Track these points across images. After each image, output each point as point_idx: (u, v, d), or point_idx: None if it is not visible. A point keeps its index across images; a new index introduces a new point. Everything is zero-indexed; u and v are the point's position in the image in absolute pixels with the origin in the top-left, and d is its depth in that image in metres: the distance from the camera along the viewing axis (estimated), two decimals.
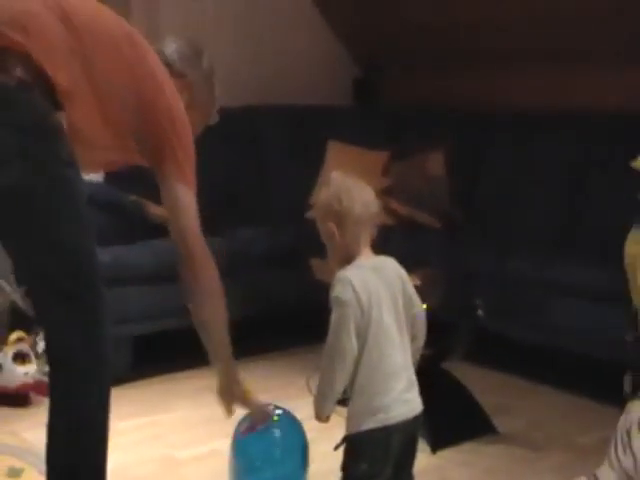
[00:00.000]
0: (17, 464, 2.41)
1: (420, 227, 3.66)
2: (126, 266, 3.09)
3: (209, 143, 3.78)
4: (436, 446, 2.64)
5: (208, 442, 2.64)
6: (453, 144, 3.89)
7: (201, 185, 3.69)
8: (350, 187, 1.82)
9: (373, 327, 1.77)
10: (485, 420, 2.77)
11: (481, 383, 2.92)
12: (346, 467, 1.85)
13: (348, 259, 1.84)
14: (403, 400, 1.83)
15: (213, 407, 2.88)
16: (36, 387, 2.88)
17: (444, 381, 2.81)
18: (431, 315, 2.74)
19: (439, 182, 3.82)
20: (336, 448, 1.87)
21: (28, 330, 3.03)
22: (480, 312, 2.72)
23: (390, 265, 1.91)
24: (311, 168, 4.01)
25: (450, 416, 2.73)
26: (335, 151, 4.04)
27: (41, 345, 3.00)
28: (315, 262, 3.45)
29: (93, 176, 3.34)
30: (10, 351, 2.85)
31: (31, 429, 2.65)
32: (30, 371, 2.85)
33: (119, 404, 2.85)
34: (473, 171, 3.84)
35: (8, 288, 3.11)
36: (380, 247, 3.37)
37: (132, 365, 3.10)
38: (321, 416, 1.85)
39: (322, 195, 1.85)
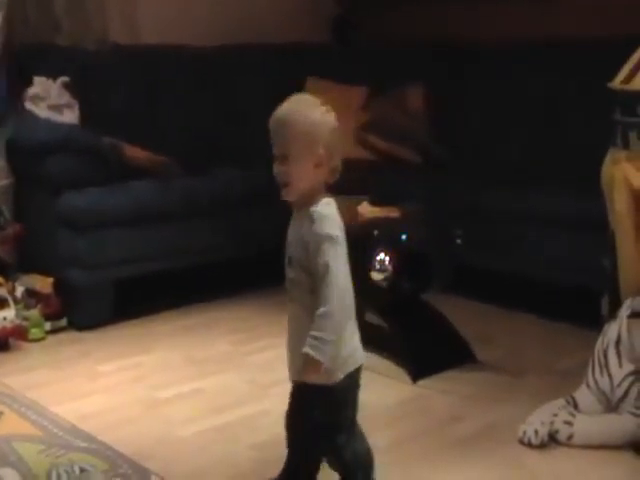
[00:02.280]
0: None
1: (400, 162, 3.57)
2: (104, 209, 3.01)
3: (185, 84, 3.75)
4: (417, 376, 2.60)
5: (189, 382, 2.60)
6: (434, 78, 3.78)
7: (180, 127, 3.66)
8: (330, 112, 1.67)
9: (345, 261, 1.70)
10: (465, 349, 2.72)
11: (461, 313, 2.87)
12: (330, 420, 1.71)
13: (319, 193, 1.68)
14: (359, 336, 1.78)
15: (192, 347, 2.87)
16: (15, 331, 2.82)
17: (424, 312, 2.76)
18: (411, 248, 2.73)
19: (419, 116, 3.72)
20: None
21: (6, 275, 2.96)
22: (459, 241, 2.65)
23: None
24: None
25: (430, 346, 2.69)
26: (314, 87, 3.89)
27: (19, 290, 2.95)
28: None
29: (68, 118, 3.24)
30: None
31: (10, 374, 2.61)
32: (8, 316, 2.78)
33: (101, 347, 2.86)
34: (454, 105, 3.73)
35: None
36: (361, 182, 3.32)
37: (113, 309, 3.04)
38: (324, 360, 1.61)
39: (303, 118, 1.62)
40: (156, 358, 2.79)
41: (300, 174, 1.62)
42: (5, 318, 2.77)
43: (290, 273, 1.69)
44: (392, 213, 2.85)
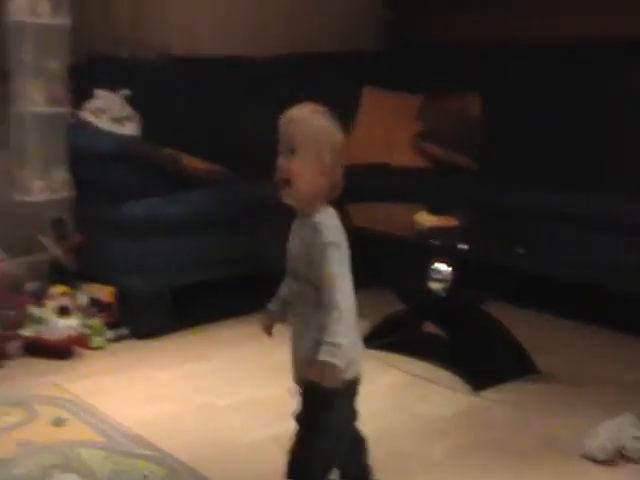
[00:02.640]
0: (61, 414, 2.41)
1: (457, 169, 3.54)
2: (162, 218, 3.04)
3: (242, 95, 3.79)
4: (477, 387, 2.57)
5: (248, 390, 2.61)
6: (489, 84, 3.74)
7: (237, 137, 3.70)
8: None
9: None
10: (526, 359, 2.68)
11: (520, 322, 2.83)
12: (329, 419, 1.69)
13: (321, 203, 1.65)
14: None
15: (252, 355, 2.86)
16: (78, 340, 2.87)
17: (483, 321, 2.72)
18: (469, 256, 2.70)
19: (475, 123, 3.69)
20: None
21: (69, 284, 3.02)
22: (519, 250, 2.61)
23: None
24: (345, 115, 3.89)
25: (490, 356, 2.66)
26: (370, 96, 3.92)
27: (82, 299, 3.01)
28: (353, 208, 3.37)
29: (129, 130, 3.30)
30: (53, 305, 2.84)
31: (73, 381, 2.66)
32: (72, 324, 2.84)
33: (160, 355, 2.89)
34: (508, 110, 3.68)
35: (49, 244, 3.12)
36: (417, 190, 3.31)
37: (172, 317, 3.07)
38: (340, 364, 1.59)
39: (315, 122, 1.64)
40: (215, 366, 2.81)
41: (304, 174, 1.61)
42: (69, 326, 2.83)
43: (295, 286, 1.67)
44: (450, 222, 2.83)
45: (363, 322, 3.00)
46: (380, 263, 2.90)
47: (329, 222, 1.63)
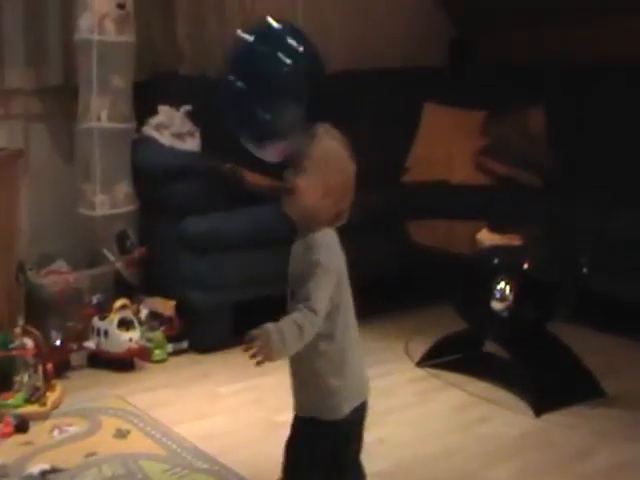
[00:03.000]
0: (124, 426, 2.45)
1: (521, 187, 3.50)
2: (224, 233, 3.07)
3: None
4: (540, 409, 2.52)
5: None
6: (553, 99, 3.70)
7: None
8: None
9: (344, 297, 1.64)
10: (592, 382, 2.62)
11: (586, 344, 2.77)
12: (336, 455, 1.67)
13: (321, 224, 1.63)
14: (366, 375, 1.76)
15: None
16: (140, 352, 2.92)
17: (547, 342, 2.68)
18: (533, 276, 2.66)
19: (539, 139, 3.65)
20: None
21: (131, 298, 3.07)
22: (585, 270, 2.56)
23: None
24: (406, 131, 3.90)
25: (554, 378, 2.61)
26: (431, 113, 3.91)
27: (144, 312, 3.06)
28: (413, 225, 3.36)
29: (190, 145, 3.35)
30: (115, 318, 2.89)
31: (135, 394, 2.70)
32: (134, 337, 2.89)
33: (221, 369, 2.91)
34: (573, 126, 3.64)
35: (112, 257, 3.17)
36: (480, 208, 3.28)
37: (232, 331, 3.09)
38: (273, 360, 1.55)
39: (328, 144, 1.64)
40: (275, 381, 2.78)
41: (307, 191, 1.61)
42: (131, 339, 2.88)
43: (293, 307, 1.63)
44: (513, 240, 2.80)
45: (423, 340, 3.05)
46: (440, 281, 2.87)
47: (324, 241, 1.62)
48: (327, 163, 1.62)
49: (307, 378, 1.66)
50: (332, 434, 1.66)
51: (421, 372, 2.89)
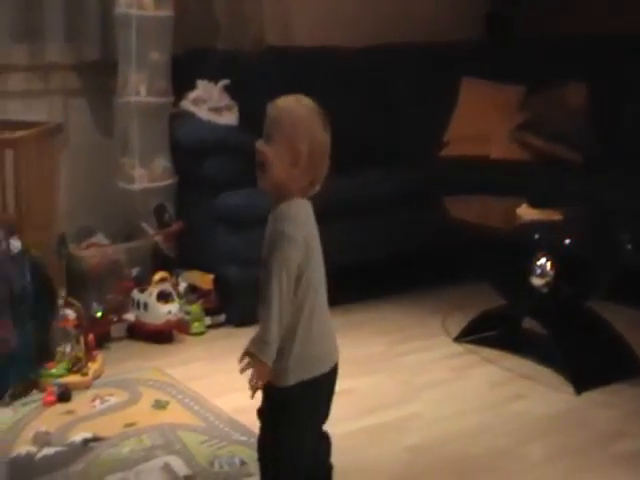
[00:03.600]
0: (162, 397, 2.49)
1: (560, 162, 3.45)
2: (259, 208, 3.00)
3: (338, 85, 3.79)
4: (580, 387, 2.50)
5: (340, 381, 2.51)
6: (594, 74, 3.63)
7: (332, 128, 3.70)
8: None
9: (311, 267, 1.60)
10: (632, 360, 2.60)
11: (624, 322, 2.74)
12: (275, 427, 1.66)
13: (293, 194, 1.61)
14: (335, 345, 1.71)
15: (344, 347, 2.86)
16: (178, 325, 2.95)
17: (587, 319, 2.66)
18: (574, 252, 2.63)
19: (579, 114, 3.59)
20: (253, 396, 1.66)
21: (170, 271, 3.10)
22: (629, 247, 2.52)
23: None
24: (442, 106, 3.88)
25: (594, 356, 2.59)
26: (469, 87, 3.87)
27: (182, 285, 3.09)
28: (449, 200, 3.34)
29: (227, 119, 3.36)
30: (154, 291, 2.92)
31: (174, 366, 2.73)
32: (173, 310, 2.92)
33: None
34: (615, 102, 3.57)
35: (150, 231, 3.21)
36: (519, 183, 3.25)
37: None
38: (267, 361, 1.58)
39: (296, 112, 1.61)
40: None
41: (276, 162, 1.59)
42: (170, 312, 2.91)
43: (261, 275, 1.62)
44: (553, 216, 2.77)
45: (460, 316, 3.05)
46: (478, 257, 2.86)
47: (294, 212, 1.59)
48: (294, 132, 1.59)
49: None
50: (275, 401, 1.65)
51: (458, 348, 2.89)
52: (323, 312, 1.67)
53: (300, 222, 1.59)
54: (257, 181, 1.64)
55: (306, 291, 1.61)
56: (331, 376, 1.69)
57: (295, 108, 1.62)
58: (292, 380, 1.62)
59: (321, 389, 1.68)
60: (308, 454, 1.69)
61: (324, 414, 1.73)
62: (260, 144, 1.62)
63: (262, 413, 1.70)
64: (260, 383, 1.60)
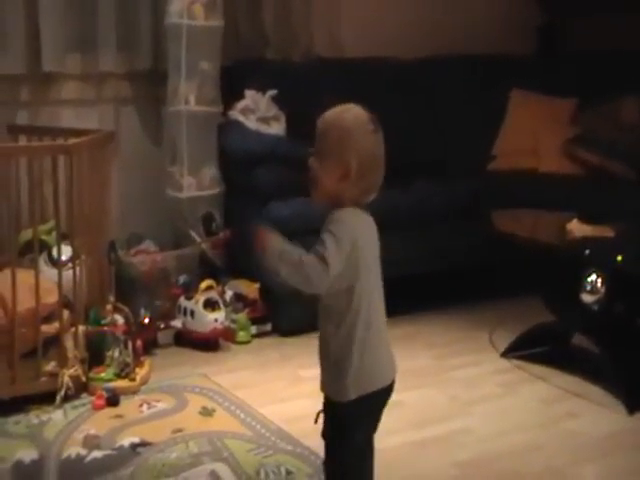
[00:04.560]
0: (209, 404, 2.51)
1: (612, 178, 3.42)
2: (306, 218, 3.07)
3: (387, 96, 3.80)
4: (633, 407, 2.47)
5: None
6: None
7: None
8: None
9: (363, 280, 1.61)
10: None
11: None
12: (339, 441, 1.67)
13: (345, 204, 1.61)
14: (392, 359, 1.71)
15: (397, 358, 2.86)
16: (224, 333, 2.98)
17: (639, 338, 2.62)
18: (626, 269, 2.60)
19: (633, 130, 3.54)
20: (316, 420, 1.70)
21: (217, 279, 3.13)
22: None
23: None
24: (491, 119, 3.87)
25: None
26: (519, 100, 3.86)
27: (229, 294, 3.11)
28: (497, 214, 3.32)
29: (275, 129, 3.39)
30: (201, 298, 2.95)
31: (220, 374, 2.76)
32: (219, 318, 2.95)
33: (302, 353, 2.92)
34: None
35: (198, 239, 3.24)
36: (569, 198, 3.22)
37: (314, 315, 3.09)
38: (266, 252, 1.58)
39: (343, 124, 1.60)
40: None
41: (325, 176, 1.60)
42: (216, 320, 2.93)
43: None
44: (605, 232, 2.74)
45: (508, 331, 3.02)
46: (528, 271, 2.84)
47: (343, 217, 1.59)
48: (341, 146, 1.59)
49: (321, 358, 1.69)
50: (338, 417, 1.66)
51: (506, 363, 2.87)
52: (380, 326, 1.67)
53: (349, 226, 1.59)
54: (311, 195, 1.65)
55: (359, 303, 1.61)
56: (389, 389, 1.70)
57: (341, 120, 1.62)
58: (353, 395, 1.64)
59: (379, 402, 1.69)
60: (369, 469, 1.71)
61: (375, 426, 1.74)
62: (311, 160, 1.64)
63: (326, 434, 1.71)
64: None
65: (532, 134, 3.71)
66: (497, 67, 3.94)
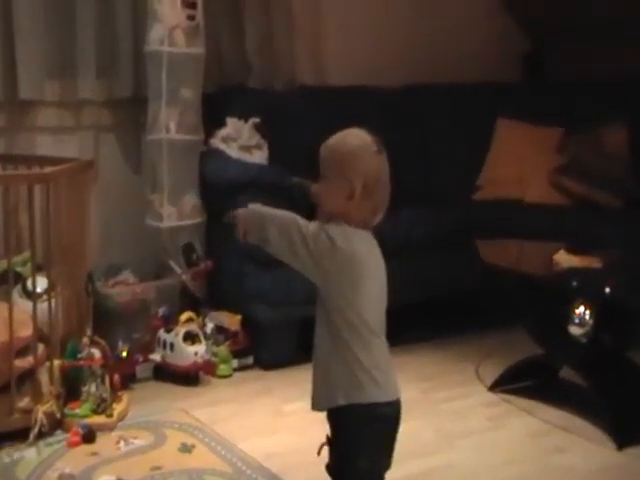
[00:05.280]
0: (188, 440, 2.49)
1: (598, 207, 3.44)
2: None
3: (371, 125, 3.83)
4: (622, 442, 2.47)
5: None
6: (634, 118, 3.64)
7: None
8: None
9: (365, 299, 1.65)
10: None
11: None
12: (343, 469, 1.69)
13: (353, 224, 1.65)
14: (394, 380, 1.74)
15: None
16: (205, 366, 2.96)
17: (628, 370, 2.63)
18: (614, 301, 2.61)
19: (619, 158, 3.59)
20: (319, 452, 1.73)
21: (197, 311, 3.12)
22: None
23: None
24: (477, 148, 3.90)
25: (636, 409, 2.55)
26: (505, 128, 3.89)
27: (209, 326, 3.10)
28: (482, 244, 3.34)
29: (258, 158, 3.40)
30: (181, 331, 2.93)
31: (200, 408, 2.73)
32: (199, 351, 2.93)
33: (285, 386, 2.92)
34: None
35: (178, 270, 3.23)
36: (555, 228, 3.24)
37: (297, 348, 3.10)
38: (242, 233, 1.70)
39: (345, 148, 1.66)
40: None
41: (329, 199, 1.66)
42: (196, 353, 2.92)
43: (318, 308, 1.71)
44: (592, 262, 2.76)
45: (495, 363, 3.02)
46: (514, 302, 2.84)
47: (346, 229, 1.63)
48: (344, 169, 1.64)
49: (326, 369, 1.71)
50: (336, 432, 1.69)
51: (493, 397, 2.86)
52: (380, 345, 1.71)
53: (348, 238, 1.62)
54: (317, 218, 1.68)
55: (358, 321, 1.64)
56: (393, 416, 1.71)
57: (343, 144, 1.68)
58: (342, 400, 1.65)
59: (381, 424, 1.69)
60: None
61: (385, 459, 1.73)
62: (315, 187, 1.69)
63: (330, 465, 1.72)
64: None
65: (518, 163, 3.75)
66: (483, 95, 3.99)
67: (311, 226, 1.64)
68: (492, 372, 2.97)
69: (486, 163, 3.86)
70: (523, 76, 4.44)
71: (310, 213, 3.14)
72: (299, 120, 3.69)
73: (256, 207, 1.73)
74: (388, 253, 3.34)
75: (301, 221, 1.65)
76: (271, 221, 1.67)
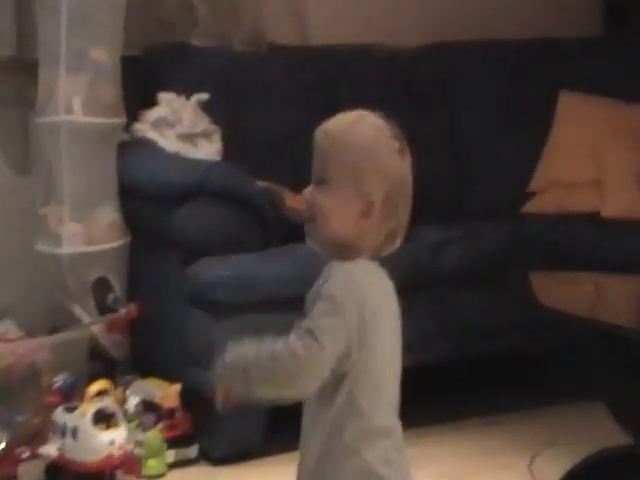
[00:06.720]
0: None
1: None
2: (255, 284, 3.10)
3: (378, 97, 3.79)
4: None
5: None
6: None
7: None
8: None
9: (376, 342, 1.65)
10: None
11: None
12: None
13: (358, 253, 1.66)
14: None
15: None
16: (124, 463, 2.90)
17: None
18: None
19: None
20: None
21: (115, 379, 3.10)
22: None
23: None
24: (529, 137, 3.94)
25: None
26: (570, 106, 3.94)
27: (133, 401, 3.06)
28: (538, 278, 3.32)
29: (205, 152, 3.40)
30: (89, 410, 2.87)
31: None
32: (117, 439, 2.86)
33: None
34: None
35: (87, 318, 3.20)
36: None
37: (263, 432, 3.10)
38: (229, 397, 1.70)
39: (358, 140, 1.65)
40: None
41: (335, 211, 1.64)
42: (112, 442, 2.86)
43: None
44: None
45: (556, 454, 3.00)
46: (590, 366, 2.85)
47: (351, 272, 1.63)
48: (358, 170, 1.63)
49: (317, 444, 1.72)
50: None
51: None
52: (392, 432, 1.75)
53: (357, 291, 1.61)
54: (306, 237, 1.69)
55: (359, 392, 1.64)
56: None
57: (356, 134, 1.65)
58: None
59: None
60: None
61: None
62: (310, 192, 1.65)
63: None
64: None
65: (592, 159, 3.79)
66: (536, 58, 4.04)
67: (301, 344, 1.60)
68: (554, 468, 2.93)
69: (543, 159, 3.89)
70: (601, 27, 4.50)
71: (281, 232, 3.15)
72: (268, 96, 3.70)
73: (235, 354, 1.72)
74: (403, 289, 3.36)
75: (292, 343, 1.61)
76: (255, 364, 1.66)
